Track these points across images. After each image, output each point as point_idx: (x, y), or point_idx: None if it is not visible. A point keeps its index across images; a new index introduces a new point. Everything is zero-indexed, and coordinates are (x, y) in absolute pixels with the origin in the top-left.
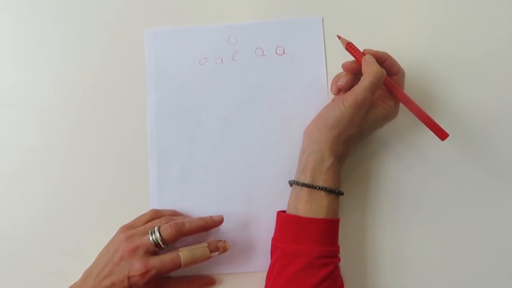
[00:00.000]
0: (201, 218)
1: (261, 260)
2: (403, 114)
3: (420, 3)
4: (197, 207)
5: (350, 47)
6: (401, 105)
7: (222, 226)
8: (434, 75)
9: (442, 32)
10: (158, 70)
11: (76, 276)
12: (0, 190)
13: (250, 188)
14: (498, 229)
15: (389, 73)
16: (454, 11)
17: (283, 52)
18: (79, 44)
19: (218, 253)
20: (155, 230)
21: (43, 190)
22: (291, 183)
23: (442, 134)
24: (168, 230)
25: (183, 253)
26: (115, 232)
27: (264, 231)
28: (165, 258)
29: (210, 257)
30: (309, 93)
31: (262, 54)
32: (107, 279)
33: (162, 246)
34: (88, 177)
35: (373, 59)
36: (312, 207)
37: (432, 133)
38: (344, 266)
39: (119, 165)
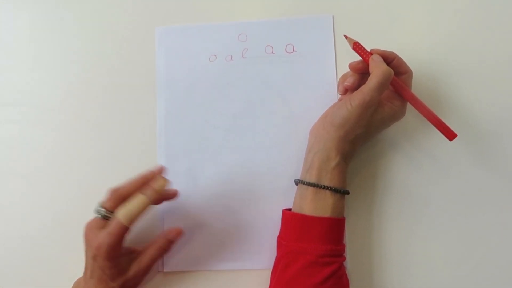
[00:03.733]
0: (140, 174)
1: (266, 258)
2: (411, 114)
3: (430, 3)
4: (204, 203)
5: (357, 46)
6: (409, 105)
7: (227, 223)
8: (442, 75)
9: (450, 32)
10: (168, 67)
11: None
12: (10, 189)
13: (257, 186)
14: (506, 230)
15: (397, 73)
16: (464, 11)
17: (293, 50)
18: (90, 42)
19: (157, 187)
20: (97, 205)
21: (53, 188)
22: (297, 182)
23: (450, 134)
24: (105, 197)
25: (119, 211)
26: None
27: (270, 228)
28: (109, 226)
29: (149, 202)
30: (318, 92)
31: (272, 52)
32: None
33: (108, 215)
34: (97, 174)
35: (380, 59)
36: (317, 206)
37: (440, 133)
38: (350, 266)
39: (128, 161)
